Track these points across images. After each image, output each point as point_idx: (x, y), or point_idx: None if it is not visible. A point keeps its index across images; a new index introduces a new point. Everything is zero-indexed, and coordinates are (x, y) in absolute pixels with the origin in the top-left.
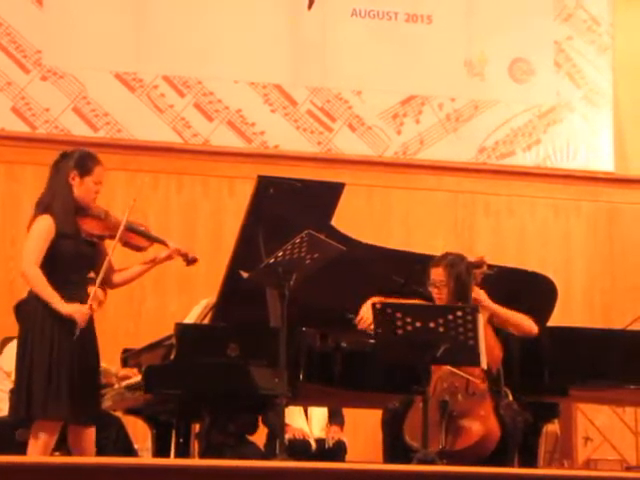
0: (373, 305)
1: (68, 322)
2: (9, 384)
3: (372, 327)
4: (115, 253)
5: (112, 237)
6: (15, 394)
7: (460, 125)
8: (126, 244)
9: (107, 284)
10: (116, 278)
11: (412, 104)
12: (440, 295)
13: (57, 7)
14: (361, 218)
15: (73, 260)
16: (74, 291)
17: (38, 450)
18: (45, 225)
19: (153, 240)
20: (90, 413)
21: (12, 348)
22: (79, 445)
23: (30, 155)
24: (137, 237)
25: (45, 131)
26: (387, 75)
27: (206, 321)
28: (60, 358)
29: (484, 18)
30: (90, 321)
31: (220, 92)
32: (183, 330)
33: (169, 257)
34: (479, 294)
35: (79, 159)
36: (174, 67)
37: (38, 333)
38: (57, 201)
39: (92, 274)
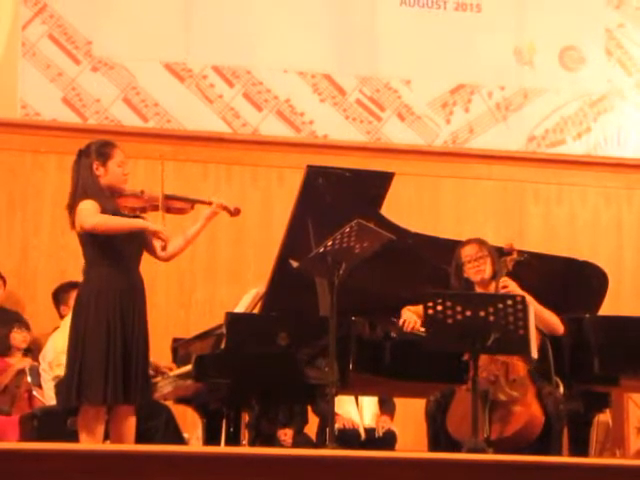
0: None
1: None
2: (52, 373)
3: (417, 327)
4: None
5: (154, 208)
6: (66, 380)
7: (510, 114)
8: (169, 210)
9: (159, 256)
10: (169, 247)
11: (461, 93)
12: (480, 267)
13: None
14: (410, 207)
15: (122, 235)
16: (128, 264)
17: (86, 438)
18: (90, 204)
19: (194, 201)
20: (135, 396)
21: (53, 339)
22: (118, 431)
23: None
24: (177, 201)
25: (96, 122)
26: (436, 64)
27: (256, 310)
28: (109, 343)
29: (533, 6)
30: (142, 305)
31: (269, 82)
32: (233, 319)
33: (214, 213)
34: (509, 284)
35: (96, 149)
36: (223, 57)
37: (91, 318)
38: (91, 189)
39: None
